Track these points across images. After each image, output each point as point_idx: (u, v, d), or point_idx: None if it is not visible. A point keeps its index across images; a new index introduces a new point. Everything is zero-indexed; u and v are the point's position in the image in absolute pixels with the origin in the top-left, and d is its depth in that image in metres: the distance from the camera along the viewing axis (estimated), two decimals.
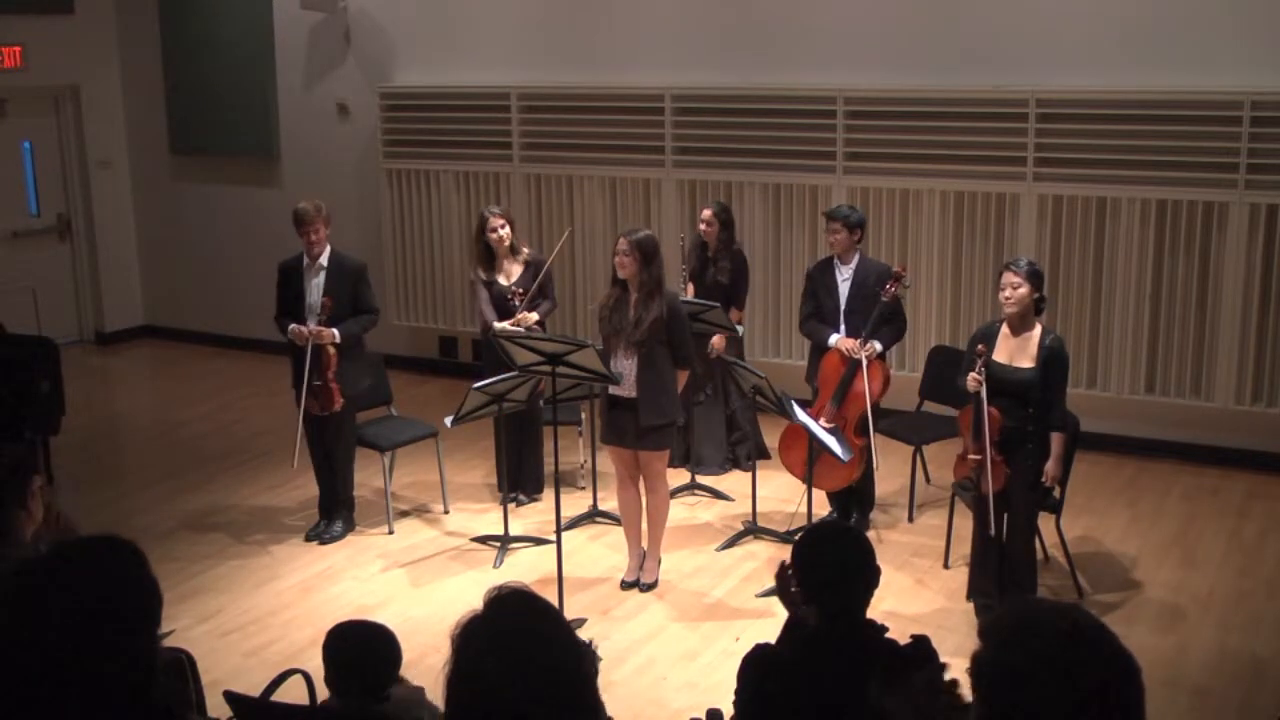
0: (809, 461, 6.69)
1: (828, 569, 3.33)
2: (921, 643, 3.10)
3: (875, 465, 6.96)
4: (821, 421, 6.74)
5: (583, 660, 2.14)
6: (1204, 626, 6.05)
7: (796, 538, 3.59)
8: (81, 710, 2.04)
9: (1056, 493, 6.25)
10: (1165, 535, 7.06)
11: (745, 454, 8.03)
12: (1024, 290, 5.78)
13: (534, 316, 7.29)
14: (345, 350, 7.02)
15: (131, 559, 2.20)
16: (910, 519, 7.32)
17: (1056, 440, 5.81)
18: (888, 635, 3.29)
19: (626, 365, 6.26)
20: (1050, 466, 5.81)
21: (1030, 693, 1.88)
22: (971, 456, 5.88)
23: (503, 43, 9.78)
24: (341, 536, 7.24)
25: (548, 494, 7.21)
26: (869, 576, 3.35)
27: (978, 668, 1.97)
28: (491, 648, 2.07)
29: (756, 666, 3.33)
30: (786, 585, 3.52)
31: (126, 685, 2.08)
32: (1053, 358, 5.77)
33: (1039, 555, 6.66)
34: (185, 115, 11.32)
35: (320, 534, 7.25)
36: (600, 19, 9.43)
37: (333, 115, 10.61)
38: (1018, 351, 5.83)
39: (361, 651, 3.74)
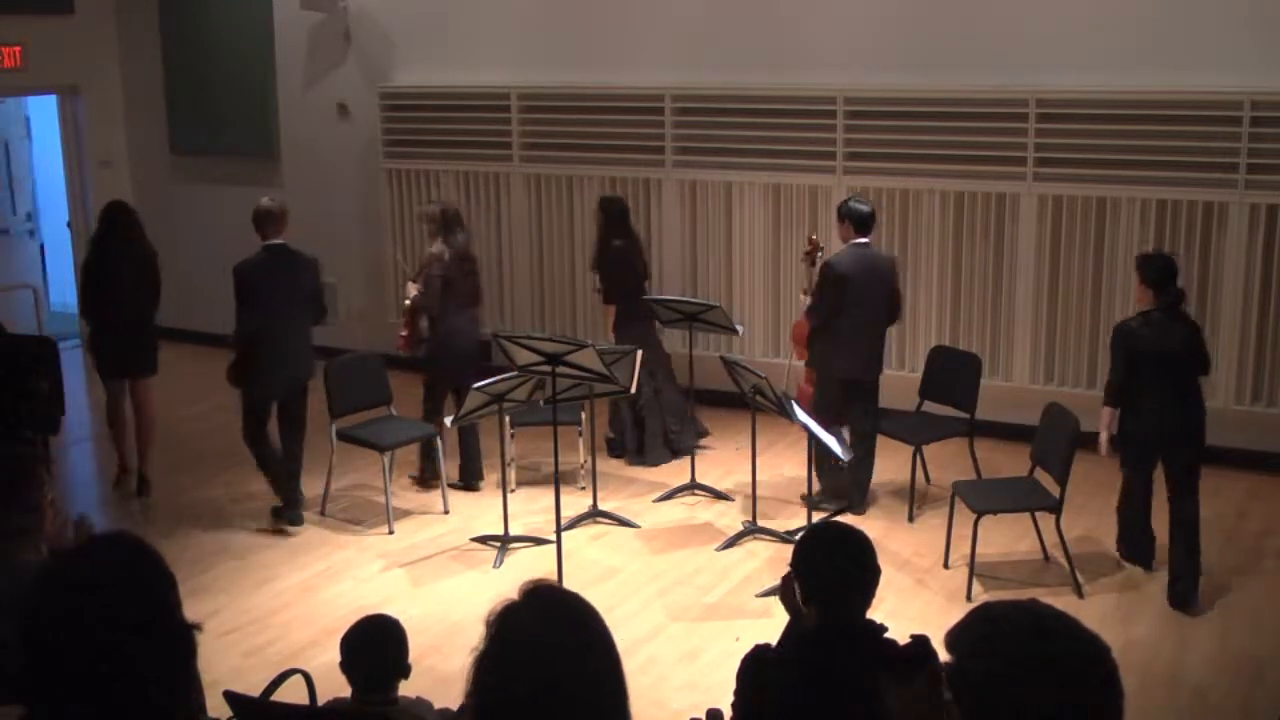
0: (808, 467, 6.70)
1: (829, 570, 3.33)
2: (921, 642, 3.09)
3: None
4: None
5: (617, 660, 2.14)
6: (1204, 626, 6.05)
7: (797, 538, 3.59)
8: (115, 709, 2.05)
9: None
10: (1165, 535, 7.05)
11: (684, 443, 8.20)
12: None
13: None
14: None
15: (146, 555, 2.21)
16: (910, 519, 7.31)
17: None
18: (887, 635, 3.29)
19: None
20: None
21: (1010, 693, 1.90)
22: None
23: (503, 43, 9.77)
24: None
25: (543, 494, 7.17)
26: (870, 577, 3.34)
27: (954, 680, 1.98)
28: (530, 637, 2.07)
29: (756, 667, 3.33)
30: (791, 591, 3.51)
31: (160, 685, 2.09)
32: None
33: (1040, 555, 6.69)
34: (185, 115, 11.32)
35: (292, 515, 7.40)
36: (600, 19, 9.43)
37: (333, 115, 10.60)
38: None
39: (372, 639, 3.85)
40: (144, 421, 8.03)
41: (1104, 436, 6.29)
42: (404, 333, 7.83)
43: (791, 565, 3.42)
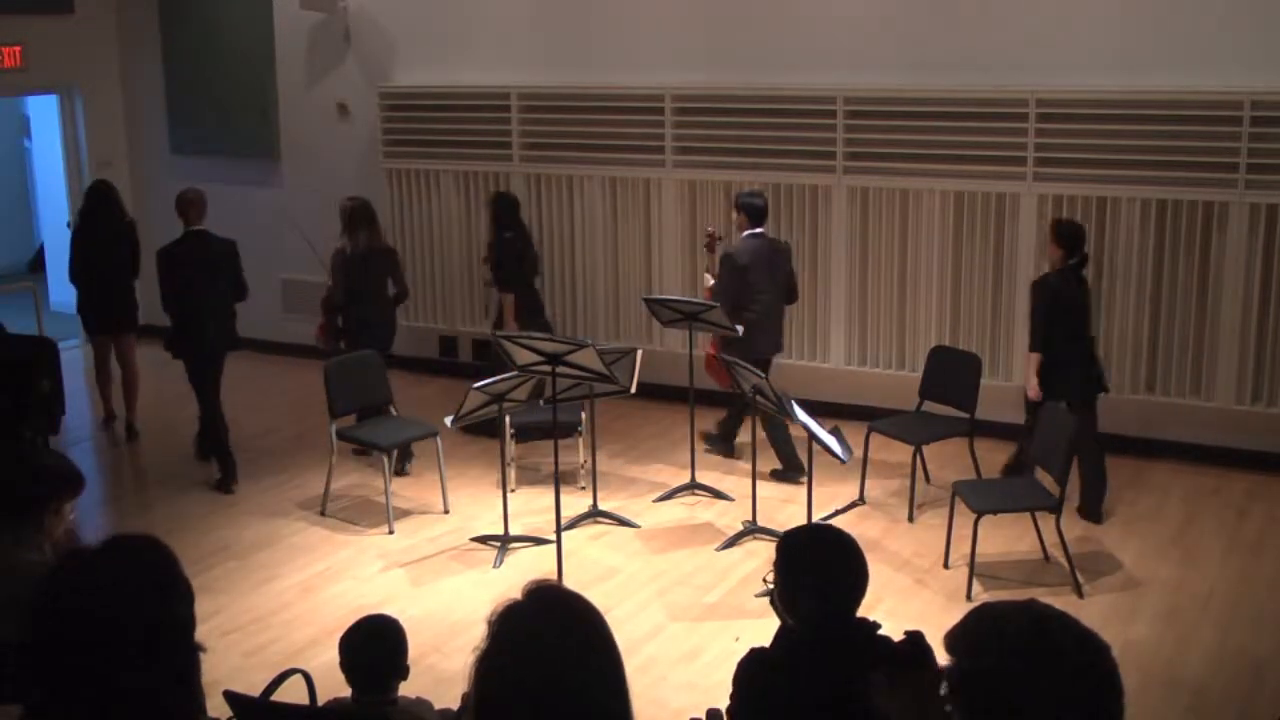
0: (808, 467, 6.70)
1: (816, 571, 3.31)
2: (916, 639, 3.09)
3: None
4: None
5: (619, 659, 2.15)
6: (1204, 626, 6.05)
7: (776, 543, 3.55)
8: (120, 710, 2.04)
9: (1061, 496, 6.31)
10: (1165, 535, 7.06)
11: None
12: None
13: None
14: None
15: (161, 559, 2.20)
16: (910, 519, 7.31)
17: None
18: (881, 632, 3.28)
19: None
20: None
21: (1009, 692, 1.90)
22: None
23: (503, 43, 9.78)
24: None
25: (543, 494, 7.17)
26: (856, 580, 3.32)
27: (953, 679, 1.98)
28: (532, 636, 2.07)
29: (751, 669, 3.32)
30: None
31: (156, 687, 2.08)
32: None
33: (1040, 555, 6.69)
34: (185, 115, 11.32)
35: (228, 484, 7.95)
36: (600, 19, 9.43)
37: (333, 115, 10.60)
38: None
39: (371, 639, 3.85)
40: (129, 376, 9.11)
41: (1034, 382, 7.01)
42: (320, 321, 8.41)
43: (775, 569, 3.39)
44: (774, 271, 7.79)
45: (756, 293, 7.68)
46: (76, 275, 8.91)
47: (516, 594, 2.15)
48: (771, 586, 3.42)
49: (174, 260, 7.95)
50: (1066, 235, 7.09)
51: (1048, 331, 7.00)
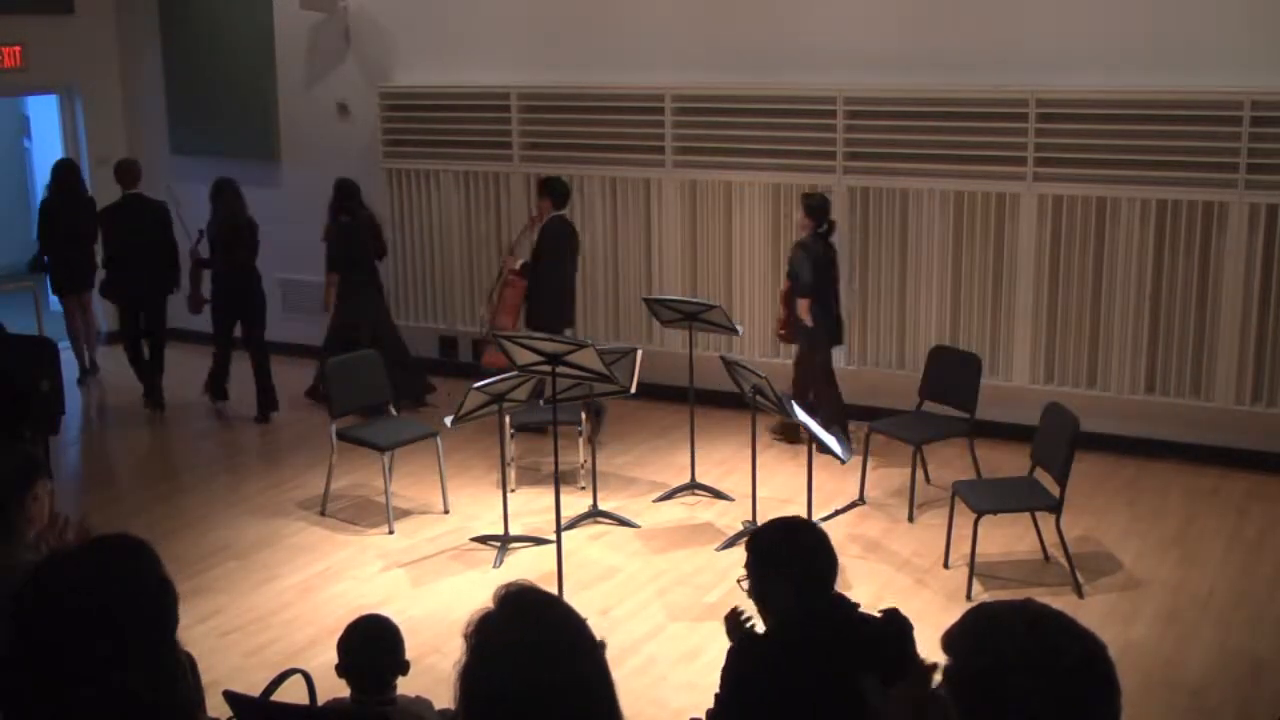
0: (808, 466, 6.70)
1: (789, 564, 3.34)
2: (893, 616, 3.12)
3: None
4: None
5: (598, 656, 2.14)
6: (1204, 626, 6.05)
7: (746, 536, 3.58)
8: (101, 713, 2.04)
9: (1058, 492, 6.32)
10: (1165, 535, 7.06)
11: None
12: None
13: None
14: None
15: (147, 559, 2.20)
16: (910, 519, 7.31)
17: None
18: (861, 609, 3.32)
19: None
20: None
21: (1008, 691, 1.90)
22: None
23: (503, 43, 9.77)
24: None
25: (543, 494, 7.17)
26: (827, 565, 3.35)
27: (951, 680, 1.98)
28: (509, 642, 2.06)
29: (739, 657, 3.34)
30: (736, 621, 3.51)
31: (147, 687, 2.08)
32: None
33: (1040, 555, 6.69)
34: (185, 115, 11.32)
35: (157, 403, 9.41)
36: (600, 19, 9.43)
37: (333, 115, 10.60)
38: None
39: (367, 638, 3.85)
40: (88, 323, 10.58)
41: (809, 319, 8.05)
42: (189, 291, 9.52)
43: (748, 568, 3.41)
44: (578, 251, 8.98)
45: (569, 269, 8.85)
46: (47, 243, 10.12)
47: (490, 602, 2.14)
48: (745, 585, 3.44)
49: (114, 218, 9.42)
50: (815, 208, 8.08)
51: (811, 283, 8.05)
